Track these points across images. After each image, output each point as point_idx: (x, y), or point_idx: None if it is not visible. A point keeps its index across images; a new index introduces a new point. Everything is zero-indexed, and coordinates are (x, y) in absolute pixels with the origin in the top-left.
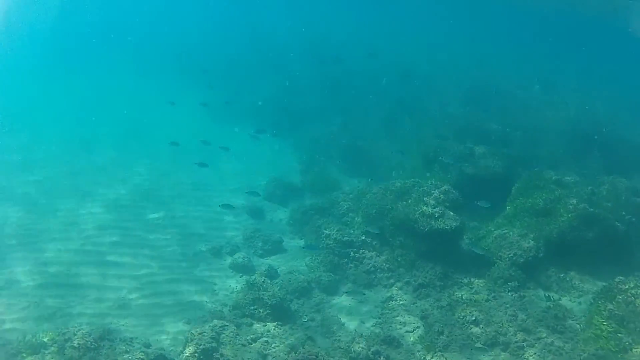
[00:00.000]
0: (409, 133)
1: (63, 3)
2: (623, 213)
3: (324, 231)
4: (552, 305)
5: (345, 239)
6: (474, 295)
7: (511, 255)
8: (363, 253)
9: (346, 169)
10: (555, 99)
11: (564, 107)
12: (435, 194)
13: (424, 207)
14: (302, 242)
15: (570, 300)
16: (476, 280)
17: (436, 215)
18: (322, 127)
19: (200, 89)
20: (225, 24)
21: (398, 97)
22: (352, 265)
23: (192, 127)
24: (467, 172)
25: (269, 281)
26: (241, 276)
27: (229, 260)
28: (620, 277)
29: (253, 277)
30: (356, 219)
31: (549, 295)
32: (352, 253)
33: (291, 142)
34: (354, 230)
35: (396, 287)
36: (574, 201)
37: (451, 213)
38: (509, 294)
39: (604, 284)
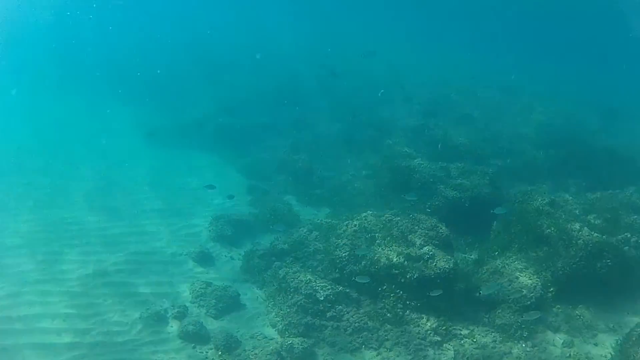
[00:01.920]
0: (370, 150)
1: None
2: (627, 234)
3: (290, 283)
4: (570, 354)
5: (318, 293)
6: (479, 351)
7: (517, 297)
8: (341, 309)
9: (303, 196)
10: (518, 103)
11: (529, 111)
12: (420, 231)
13: (410, 249)
14: (262, 294)
15: (584, 342)
16: (477, 329)
17: (425, 257)
18: (273, 146)
19: (134, 105)
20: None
21: (352, 108)
22: (330, 325)
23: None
24: (446, 195)
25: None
26: (193, 348)
27: (175, 327)
28: None
29: (207, 353)
30: (327, 263)
31: (564, 341)
32: (327, 309)
33: (237, 167)
34: (326, 280)
35: (385, 347)
36: (577, 226)
37: (442, 253)
38: (520, 344)
39: (617, 317)
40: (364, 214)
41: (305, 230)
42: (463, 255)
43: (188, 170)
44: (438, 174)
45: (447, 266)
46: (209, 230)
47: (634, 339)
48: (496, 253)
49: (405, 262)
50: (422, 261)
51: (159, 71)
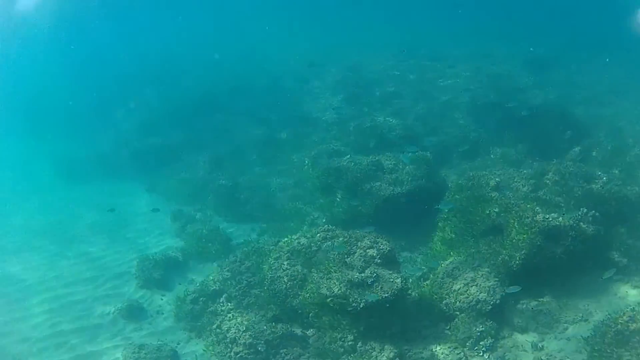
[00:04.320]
0: (296, 150)
1: None
2: (583, 209)
3: (227, 333)
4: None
5: (259, 342)
6: None
7: (473, 303)
8: (286, 352)
9: (232, 215)
10: (446, 70)
11: (457, 77)
12: (359, 252)
13: (350, 274)
14: (202, 346)
15: (556, 339)
16: (439, 348)
17: (369, 281)
18: (194, 163)
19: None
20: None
21: (271, 106)
22: None
23: None
24: (382, 193)
25: None
26: None
27: None
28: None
29: None
30: (264, 298)
31: (533, 342)
32: (272, 356)
33: (159, 191)
34: (265, 319)
35: None
36: (530, 211)
37: (386, 272)
38: (485, 356)
39: (585, 303)
40: (296, 237)
41: (236, 262)
42: (410, 255)
43: (103, 205)
44: (371, 170)
45: (395, 287)
46: (135, 277)
47: (609, 336)
48: (445, 252)
49: (348, 290)
50: (366, 286)
51: (70, 102)
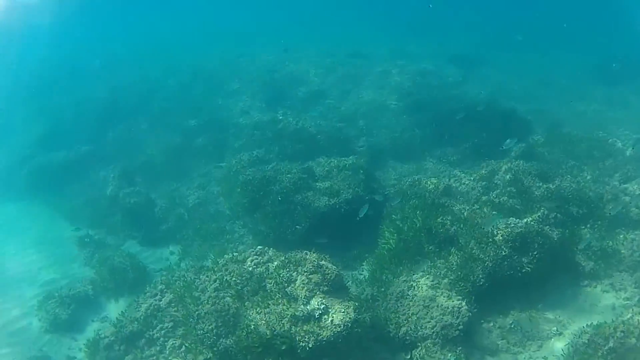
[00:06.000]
0: (217, 159)
1: None
2: (543, 210)
3: None
4: None
5: None
6: None
7: (438, 329)
8: None
9: (146, 237)
10: (372, 68)
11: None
12: (301, 278)
13: (293, 307)
14: None
15: (532, 358)
16: None
17: (317, 314)
18: (102, 178)
19: None
20: None
21: (187, 109)
22: None
23: None
24: (316, 205)
25: None
26: None
27: None
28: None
29: None
30: (192, 341)
31: None
32: None
33: (64, 213)
34: None
35: None
36: (497, 226)
37: (335, 300)
38: None
39: (557, 314)
40: (222, 261)
41: (155, 295)
42: (352, 273)
43: None
44: (301, 179)
45: (347, 318)
46: (39, 320)
47: (601, 354)
48: (394, 267)
49: (292, 327)
50: (313, 321)
51: None
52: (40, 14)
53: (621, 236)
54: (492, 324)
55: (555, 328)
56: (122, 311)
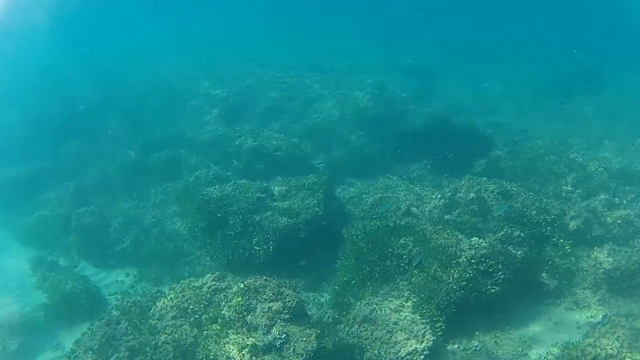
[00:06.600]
0: (172, 176)
1: None
2: (506, 229)
3: None
4: None
5: None
6: None
7: (402, 354)
8: None
9: (101, 258)
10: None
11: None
12: (261, 306)
13: (254, 336)
14: None
15: None
16: None
17: (278, 344)
18: (56, 197)
19: None
20: None
21: (144, 124)
22: None
23: None
24: (274, 226)
25: None
26: None
27: None
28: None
29: None
30: None
31: None
32: None
33: (16, 233)
34: None
35: None
36: (453, 239)
37: (297, 329)
38: None
39: (521, 333)
40: (179, 287)
41: (110, 323)
42: (313, 295)
43: None
44: (259, 198)
45: (310, 347)
46: None
47: None
48: (355, 289)
49: (253, 358)
50: (275, 351)
51: None
52: None
53: (584, 253)
54: (456, 346)
55: (520, 349)
56: (76, 339)
